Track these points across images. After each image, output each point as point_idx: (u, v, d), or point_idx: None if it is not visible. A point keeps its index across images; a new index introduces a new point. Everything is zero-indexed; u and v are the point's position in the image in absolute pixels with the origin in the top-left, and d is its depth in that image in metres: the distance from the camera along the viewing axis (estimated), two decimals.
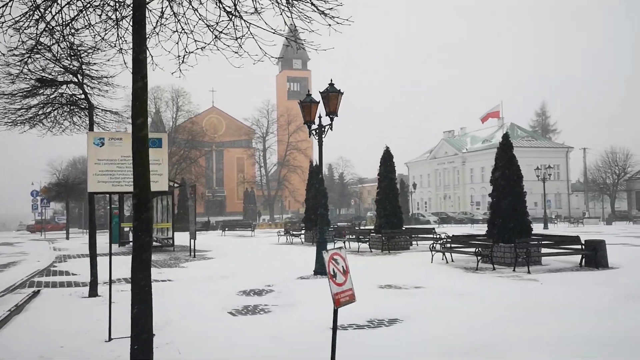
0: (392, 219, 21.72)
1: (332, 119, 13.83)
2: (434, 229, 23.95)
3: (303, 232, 28.80)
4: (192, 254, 19.86)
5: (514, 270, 14.43)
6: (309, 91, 16.14)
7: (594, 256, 14.80)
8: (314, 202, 27.60)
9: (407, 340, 7.21)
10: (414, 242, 22.39)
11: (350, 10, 5.86)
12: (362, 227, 35.49)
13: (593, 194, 68.84)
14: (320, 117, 14.31)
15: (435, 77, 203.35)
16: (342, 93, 13.76)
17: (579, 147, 72.78)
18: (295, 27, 5.99)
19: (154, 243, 25.08)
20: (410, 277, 13.26)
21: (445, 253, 16.64)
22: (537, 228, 43.13)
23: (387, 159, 22.09)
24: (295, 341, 7.29)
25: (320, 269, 13.94)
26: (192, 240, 20.14)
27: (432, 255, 16.88)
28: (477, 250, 14.81)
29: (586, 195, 70.10)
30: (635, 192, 66.34)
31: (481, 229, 41.47)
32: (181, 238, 26.65)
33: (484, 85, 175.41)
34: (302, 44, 6.18)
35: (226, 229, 40.73)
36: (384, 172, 22.24)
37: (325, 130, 14.10)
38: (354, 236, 22.80)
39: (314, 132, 14.40)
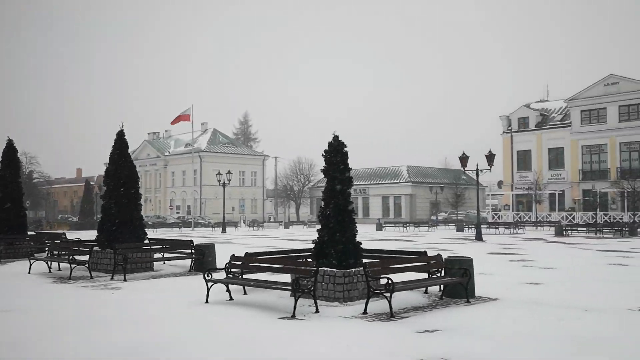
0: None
1: None
2: (64, 233, 21.52)
3: None
4: None
5: (112, 278, 13.31)
6: None
7: (202, 260, 14.68)
8: None
9: None
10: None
11: None
12: None
13: (282, 199, 74.44)
14: None
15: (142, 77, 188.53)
16: None
17: (272, 156, 78.14)
18: None
19: None
20: None
21: (51, 262, 14.68)
22: (217, 232, 44.05)
23: (8, 155, 18.97)
24: None
25: None
26: None
27: (31, 264, 14.69)
28: (70, 257, 13.25)
29: (276, 200, 75.48)
30: (316, 199, 73.86)
31: (164, 234, 40.40)
32: None
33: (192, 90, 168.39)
34: None
35: None
36: None
37: None
38: None
39: None
